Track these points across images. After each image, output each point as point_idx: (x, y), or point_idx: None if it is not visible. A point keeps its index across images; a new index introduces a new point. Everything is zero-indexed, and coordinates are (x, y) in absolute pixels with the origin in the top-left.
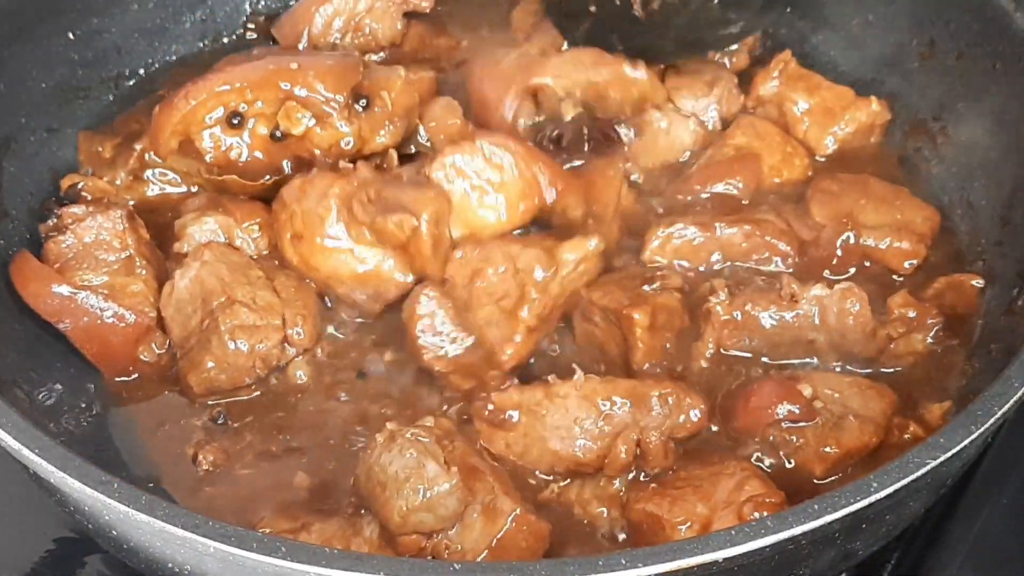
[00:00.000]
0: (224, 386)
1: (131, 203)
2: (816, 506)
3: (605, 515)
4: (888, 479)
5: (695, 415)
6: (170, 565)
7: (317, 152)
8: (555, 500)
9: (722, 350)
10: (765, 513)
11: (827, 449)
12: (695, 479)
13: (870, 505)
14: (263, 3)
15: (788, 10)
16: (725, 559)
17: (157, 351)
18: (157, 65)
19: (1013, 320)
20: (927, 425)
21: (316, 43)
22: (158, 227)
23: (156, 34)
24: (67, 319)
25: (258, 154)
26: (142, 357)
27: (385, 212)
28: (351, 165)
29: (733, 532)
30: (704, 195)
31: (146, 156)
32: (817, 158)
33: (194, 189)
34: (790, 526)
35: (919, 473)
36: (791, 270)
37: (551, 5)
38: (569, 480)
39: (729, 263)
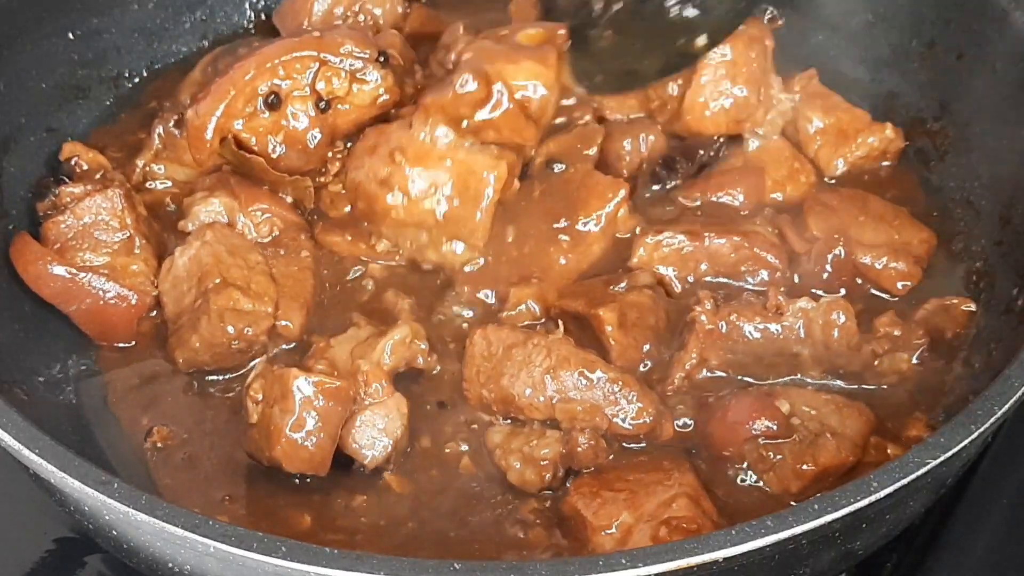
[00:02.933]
0: (208, 365)
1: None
2: (816, 506)
3: (517, 467)
4: (888, 479)
5: (641, 417)
6: (170, 565)
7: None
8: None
9: (706, 370)
10: (679, 538)
11: (804, 466)
12: (635, 484)
13: (870, 505)
14: (263, 3)
15: (789, 10)
16: (725, 559)
17: (154, 321)
18: (157, 65)
19: (1013, 320)
20: (905, 445)
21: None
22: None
23: (156, 34)
24: (70, 301)
25: (299, 125)
26: (140, 329)
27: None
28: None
29: (733, 532)
30: (705, 202)
31: (148, 168)
32: (826, 179)
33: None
34: (790, 526)
35: (919, 473)
36: (782, 288)
37: None
38: (509, 422)
39: (718, 275)
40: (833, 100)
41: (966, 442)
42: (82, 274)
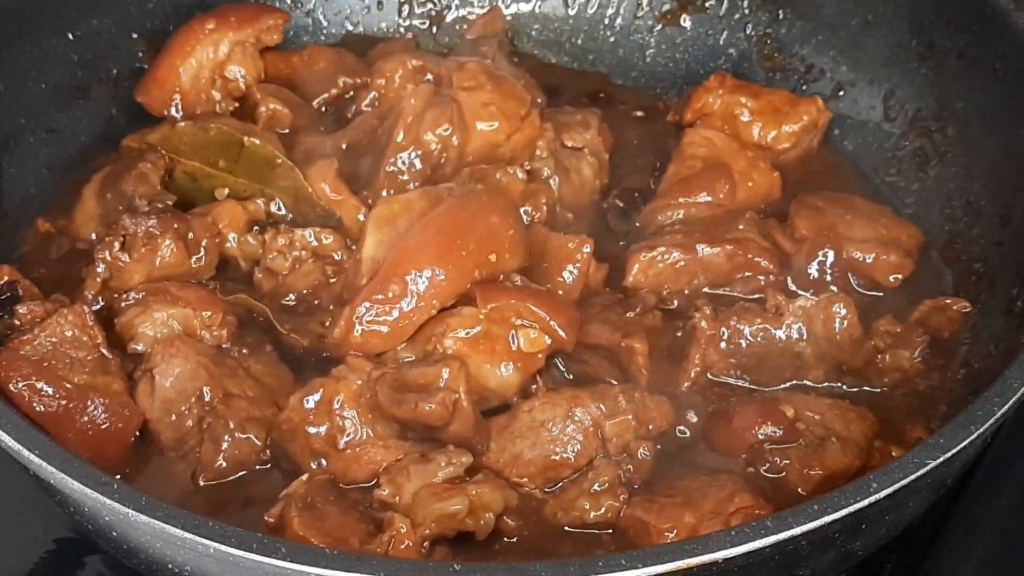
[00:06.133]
0: (231, 474)
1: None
2: (816, 506)
3: (587, 507)
4: (888, 479)
5: (667, 406)
6: (170, 566)
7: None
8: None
9: (709, 374)
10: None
11: (811, 471)
12: (686, 489)
13: (870, 505)
14: (263, 3)
15: (789, 10)
16: (725, 559)
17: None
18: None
19: (1012, 321)
20: (909, 447)
21: (189, 102)
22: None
23: (156, 34)
24: (66, 424)
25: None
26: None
27: (422, 396)
28: (345, 367)
29: (733, 532)
30: (686, 211)
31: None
32: (773, 152)
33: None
34: (790, 526)
35: (919, 473)
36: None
37: None
38: (555, 487)
39: (713, 285)
40: (754, 88)
41: (966, 443)
42: (77, 393)
